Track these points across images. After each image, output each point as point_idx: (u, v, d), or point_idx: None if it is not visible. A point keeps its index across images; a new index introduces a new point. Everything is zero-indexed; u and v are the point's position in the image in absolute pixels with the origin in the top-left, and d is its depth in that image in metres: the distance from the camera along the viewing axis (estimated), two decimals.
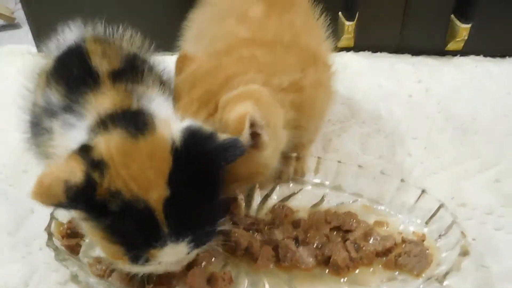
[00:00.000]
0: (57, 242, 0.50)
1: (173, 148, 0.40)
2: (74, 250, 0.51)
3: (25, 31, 1.23)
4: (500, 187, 0.61)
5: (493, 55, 0.99)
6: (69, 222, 0.54)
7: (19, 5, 1.08)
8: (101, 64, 0.48)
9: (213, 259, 0.48)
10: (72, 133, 0.44)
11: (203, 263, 0.47)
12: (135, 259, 0.39)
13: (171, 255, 0.39)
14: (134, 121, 0.41)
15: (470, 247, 0.46)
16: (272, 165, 0.49)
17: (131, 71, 0.49)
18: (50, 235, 0.50)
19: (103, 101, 0.44)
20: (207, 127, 0.43)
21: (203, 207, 0.40)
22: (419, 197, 0.54)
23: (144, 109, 0.44)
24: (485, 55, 0.99)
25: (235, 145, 0.40)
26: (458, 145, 0.70)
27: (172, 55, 0.60)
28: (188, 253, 0.40)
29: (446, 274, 0.43)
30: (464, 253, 0.45)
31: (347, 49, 1.02)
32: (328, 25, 0.65)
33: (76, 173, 0.37)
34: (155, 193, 0.37)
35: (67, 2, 1.01)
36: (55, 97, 0.48)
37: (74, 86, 0.48)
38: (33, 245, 0.56)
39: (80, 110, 0.45)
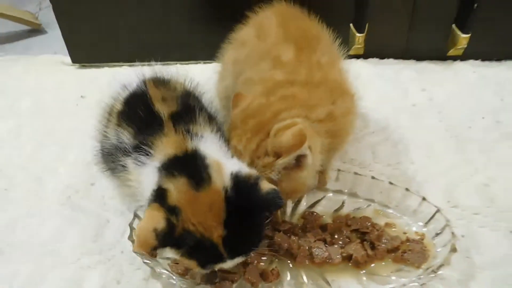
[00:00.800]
0: None
1: (226, 197, 0.52)
2: (152, 254, 0.65)
3: (51, 37, 1.29)
4: (487, 190, 0.74)
5: (490, 59, 1.11)
6: None
7: (40, 9, 1.12)
8: (163, 108, 0.60)
9: (262, 258, 0.63)
10: (144, 170, 0.57)
11: (255, 262, 0.62)
12: (206, 268, 0.54)
13: (230, 265, 0.54)
14: (195, 170, 0.53)
15: (459, 244, 0.61)
16: (309, 183, 0.62)
17: (186, 112, 0.61)
18: (133, 241, 0.65)
19: (167, 143, 0.56)
20: (253, 173, 0.55)
21: (250, 238, 0.54)
22: (420, 203, 0.68)
23: (199, 151, 0.55)
24: (482, 60, 1.11)
25: (275, 199, 0.52)
26: (453, 153, 0.83)
27: (196, 64, 0.71)
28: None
29: (439, 266, 0.58)
30: (453, 250, 0.59)
31: (357, 56, 1.14)
32: (340, 40, 0.75)
33: (160, 221, 0.50)
34: (215, 234, 0.51)
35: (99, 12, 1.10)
36: (127, 137, 0.60)
37: (142, 128, 0.59)
38: (115, 249, 0.70)
39: (149, 150, 0.57)
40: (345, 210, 0.71)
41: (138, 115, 0.61)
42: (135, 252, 0.64)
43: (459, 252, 0.61)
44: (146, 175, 0.56)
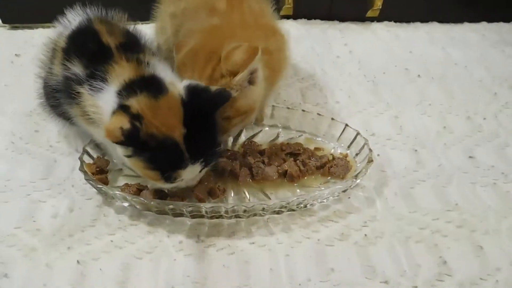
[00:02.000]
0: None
1: (182, 101, 0.59)
2: (104, 182, 0.70)
3: None
4: (397, 121, 0.88)
5: (401, 21, 1.26)
6: (96, 161, 0.73)
7: None
8: (111, 40, 0.64)
9: (210, 179, 0.70)
10: (101, 95, 0.61)
11: (205, 183, 0.69)
12: (168, 179, 0.59)
13: (190, 173, 0.60)
14: (153, 86, 0.59)
15: (375, 161, 0.73)
16: (258, 103, 0.69)
17: (133, 43, 0.66)
18: (85, 172, 0.69)
19: (121, 70, 0.61)
20: (201, 83, 0.62)
21: (207, 137, 0.60)
22: (343, 130, 0.79)
23: (155, 74, 0.61)
24: (395, 21, 1.26)
25: (223, 93, 0.60)
26: (370, 93, 0.96)
27: (148, 23, 0.75)
28: (200, 171, 0.61)
29: (359, 173, 0.69)
30: (370, 161, 0.71)
31: (287, 16, 1.23)
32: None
33: (125, 122, 0.55)
34: (177, 132, 0.57)
35: None
36: (79, 68, 0.64)
37: (91, 59, 0.63)
38: (65, 184, 0.73)
39: (104, 77, 0.61)
40: (280, 140, 0.80)
41: (86, 48, 0.64)
42: (87, 180, 0.68)
43: (375, 167, 0.73)
44: (104, 100, 0.61)
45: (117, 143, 0.56)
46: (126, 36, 0.67)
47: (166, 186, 0.62)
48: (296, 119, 0.83)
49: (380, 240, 0.63)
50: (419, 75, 1.02)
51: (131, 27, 0.72)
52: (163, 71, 0.63)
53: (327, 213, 0.68)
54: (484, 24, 1.26)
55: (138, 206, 0.67)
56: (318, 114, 0.82)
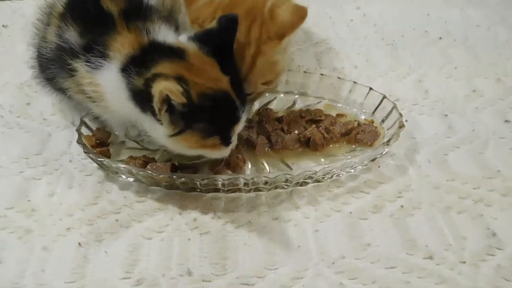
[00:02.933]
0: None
1: (204, 51, 0.53)
2: (106, 155, 0.62)
3: None
4: (422, 85, 0.81)
5: None
6: (95, 133, 0.65)
7: None
8: (112, 7, 0.56)
9: None
10: (102, 73, 0.54)
11: None
12: (226, 141, 0.53)
13: (241, 125, 0.54)
14: (170, 52, 0.52)
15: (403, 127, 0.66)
16: (284, 68, 0.63)
17: (136, 9, 0.57)
18: (84, 145, 0.61)
19: (125, 42, 0.53)
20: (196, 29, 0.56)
21: (239, 79, 0.55)
22: (367, 93, 0.72)
23: (164, 40, 0.54)
24: None
25: (228, 19, 0.53)
26: (390, 57, 0.89)
27: None
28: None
29: (389, 140, 0.62)
30: (401, 126, 0.64)
31: None
32: None
33: (176, 85, 0.48)
34: (223, 82, 0.51)
35: None
36: (73, 36, 0.56)
37: (91, 26, 0.56)
38: (62, 160, 0.65)
39: (104, 51, 0.53)
40: (297, 107, 0.73)
41: (86, 13, 0.57)
42: (86, 153, 0.60)
43: (403, 133, 0.66)
44: (105, 78, 0.54)
45: (184, 107, 0.49)
46: (130, 2, 0.58)
47: (223, 153, 0.55)
48: (314, 85, 0.75)
49: (418, 211, 0.57)
50: (440, 38, 0.95)
51: None
52: (171, 36, 0.56)
53: (356, 184, 0.61)
54: None
55: (145, 181, 0.59)
56: (338, 77, 0.75)
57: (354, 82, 0.73)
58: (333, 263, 0.51)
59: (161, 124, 0.51)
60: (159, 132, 0.53)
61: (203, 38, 0.54)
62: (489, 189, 0.60)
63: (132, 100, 0.53)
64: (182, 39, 0.55)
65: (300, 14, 0.58)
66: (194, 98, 0.49)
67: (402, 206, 0.57)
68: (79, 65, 0.55)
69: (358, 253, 0.52)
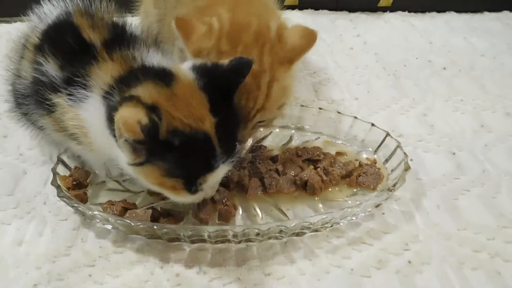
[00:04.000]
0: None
1: (199, 84, 0.47)
2: (82, 199, 0.57)
3: None
4: (426, 120, 0.76)
5: (415, 11, 1.15)
6: (73, 173, 0.59)
7: None
8: (94, 37, 0.52)
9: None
10: (84, 105, 0.49)
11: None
12: (190, 188, 0.47)
13: (217, 176, 0.48)
14: (156, 73, 0.47)
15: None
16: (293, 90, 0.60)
17: (121, 38, 0.53)
18: (58, 187, 0.56)
19: (108, 69, 0.49)
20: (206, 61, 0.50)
21: (235, 126, 0.49)
22: (369, 130, 0.66)
23: (150, 63, 0.50)
24: (409, 11, 1.14)
25: (239, 59, 0.49)
26: (392, 88, 0.84)
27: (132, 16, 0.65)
28: (225, 174, 0.49)
29: (395, 184, 0.56)
30: (406, 168, 0.58)
31: (292, 7, 1.11)
32: None
33: (142, 116, 0.42)
34: (207, 123, 0.45)
35: None
36: (53, 69, 0.51)
37: (71, 58, 0.51)
38: (35, 201, 0.59)
39: (86, 83, 0.49)
40: (293, 144, 0.68)
41: (66, 46, 0.52)
42: (60, 197, 0.54)
43: (409, 175, 0.60)
44: (89, 110, 0.49)
45: (137, 142, 0.43)
46: (113, 31, 0.54)
47: (187, 199, 0.49)
48: (312, 119, 0.70)
49: (428, 267, 0.51)
50: (444, 68, 0.90)
51: (118, 19, 0.60)
52: (163, 60, 0.52)
53: (358, 234, 0.55)
54: (506, 13, 1.16)
55: (123, 230, 0.53)
56: (338, 112, 0.69)
57: (355, 117, 0.68)
58: None
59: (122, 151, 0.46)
60: (121, 158, 0.48)
61: (204, 71, 0.48)
62: (506, 240, 0.54)
63: (107, 121, 0.48)
64: (184, 66, 0.50)
65: (310, 37, 0.56)
66: (162, 131, 0.44)
67: (409, 261, 0.51)
68: (61, 100, 0.51)
69: None
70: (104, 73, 0.49)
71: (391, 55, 0.94)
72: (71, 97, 0.50)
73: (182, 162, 0.45)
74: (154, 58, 0.51)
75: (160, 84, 0.46)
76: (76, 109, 0.50)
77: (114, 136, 0.46)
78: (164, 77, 0.47)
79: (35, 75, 0.53)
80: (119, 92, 0.46)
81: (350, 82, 0.85)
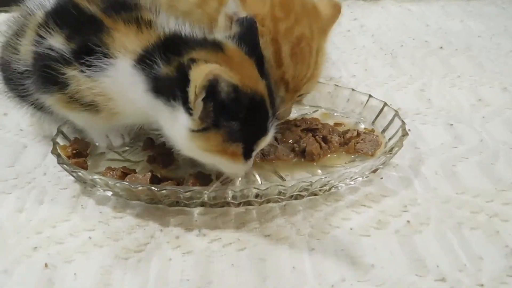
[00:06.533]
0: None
1: (244, 52, 0.49)
2: (82, 166, 0.57)
3: None
4: (424, 95, 0.77)
5: None
6: (73, 143, 0.60)
7: None
8: (94, 8, 0.52)
9: None
10: (108, 73, 0.49)
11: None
12: (248, 153, 0.48)
13: (266, 141, 0.49)
14: (204, 41, 0.48)
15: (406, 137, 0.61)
16: None
17: (123, 6, 0.53)
18: (59, 155, 0.56)
19: (126, 37, 0.49)
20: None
21: (271, 89, 0.50)
22: (367, 101, 0.67)
23: (178, 31, 0.50)
24: None
25: (250, 20, 0.50)
26: (389, 67, 0.85)
27: None
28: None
29: (392, 149, 0.57)
30: (404, 134, 0.59)
31: None
32: None
33: (223, 71, 0.43)
34: (261, 85, 0.46)
35: None
36: (64, 45, 0.51)
37: (79, 30, 0.51)
38: (35, 172, 0.60)
39: (107, 52, 0.49)
40: (291, 117, 0.68)
41: (69, 20, 0.52)
42: (60, 164, 0.55)
43: (406, 144, 0.60)
44: (112, 78, 0.49)
45: (216, 101, 0.44)
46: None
47: (240, 168, 0.50)
48: (310, 93, 0.71)
49: (427, 227, 0.51)
50: (441, 47, 0.91)
51: None
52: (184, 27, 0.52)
53: (357, 197, 0.55)
54: None
55: (123, 194, 0.53)
56: (336, 85, 0.70)
57: (353, 90, 0.69)
58: (332, 286, 0.45)
59: (190, 114, 0.45)
60: (177, 127, 0.47)
61: (243, 38, 0.49)
62: (504, 202, 0.54)
63: (154, 91, 0.47)
64: (219, 37, 0.51)
65: (336, 8, 0.60)
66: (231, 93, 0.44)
67: (408, 221, 0.51)
68: (76, 72, 0.50)
69: (360, 276, 0.46)
70: (125, 39, 0.49)
71: (388, 37, 0.95)
72: (89, 68, 0.50)
73: (247, 124, 0.45)
74: (177, 25, 0.51)
75: (214, 49, 0.47)
76: (97, 78, 0.50)
77: (169, 100, 0.46)
78: (212, 44, 0.48)
79: (40, 50, 0.52)
80: (166, 61, 0.46)
81: (348, 61, 0.86)
